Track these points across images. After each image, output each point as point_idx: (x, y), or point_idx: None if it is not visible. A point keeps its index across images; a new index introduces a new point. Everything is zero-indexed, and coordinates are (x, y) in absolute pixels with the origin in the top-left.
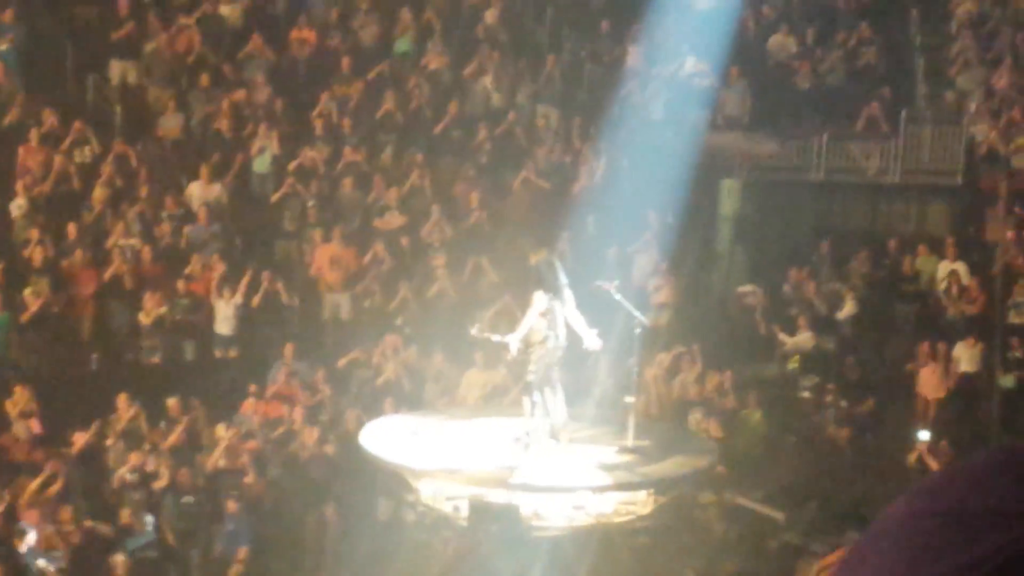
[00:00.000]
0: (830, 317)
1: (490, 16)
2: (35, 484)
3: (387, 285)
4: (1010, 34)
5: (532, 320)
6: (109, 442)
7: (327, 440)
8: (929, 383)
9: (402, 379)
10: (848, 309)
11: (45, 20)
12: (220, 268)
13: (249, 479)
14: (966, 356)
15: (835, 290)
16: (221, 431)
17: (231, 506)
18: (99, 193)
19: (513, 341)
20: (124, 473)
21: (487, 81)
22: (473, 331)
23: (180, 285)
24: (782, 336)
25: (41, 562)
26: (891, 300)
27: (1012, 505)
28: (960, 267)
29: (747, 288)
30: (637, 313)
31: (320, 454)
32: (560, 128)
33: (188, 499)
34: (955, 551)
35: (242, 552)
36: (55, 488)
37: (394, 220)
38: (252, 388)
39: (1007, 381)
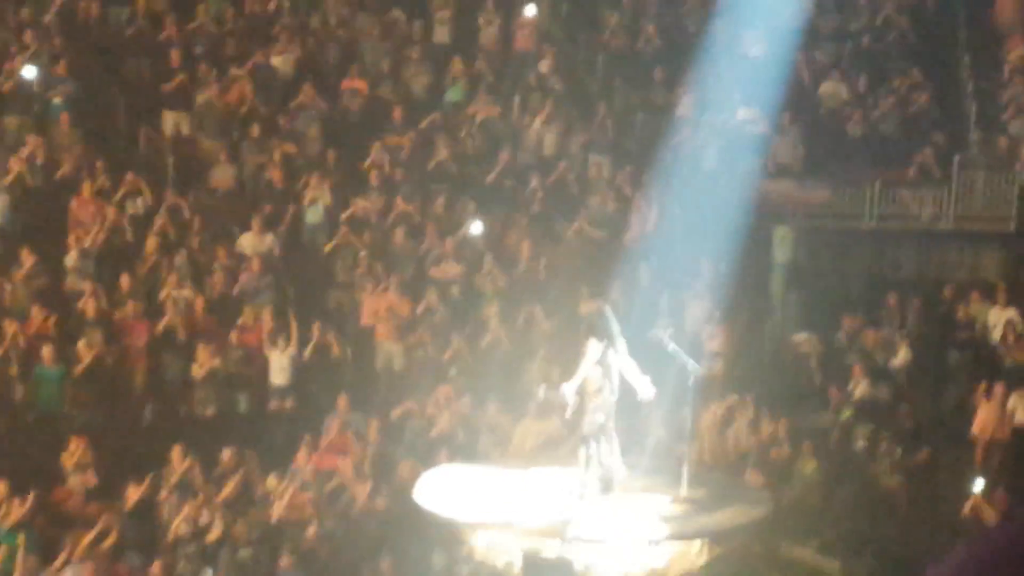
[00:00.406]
0: (884, 366)
1: (544, 65)
2: (89, 537)
3: (440, 335)
4: None
5: (586, 370)
6: (163, 495)
7: (380, 492)
8: (986, 424)
9: (456, 430)
10: (902, 357)
11: (97, 72)
12: (273, 319)
13: (310, 531)
14: (1022, 406)
15: (889, 338)
16: (273, 482)
17: (285, 560)
18: (151, 244)
19: (568, 392)
20: (178, 526)
21: (539, 129)
22: (541, 392)
23: (233, 337)
24: (836, 391)
25: None
26: (945, 348)
27: None
28: (1014, 314)
29: (802, 336)
30: (691, 362)
31: (373, 507)
32: (612, 177)
33: (245, 552)
34: None
35: None
36: (109, 541)
37: (450, 269)
38: (306, 439)
39: None
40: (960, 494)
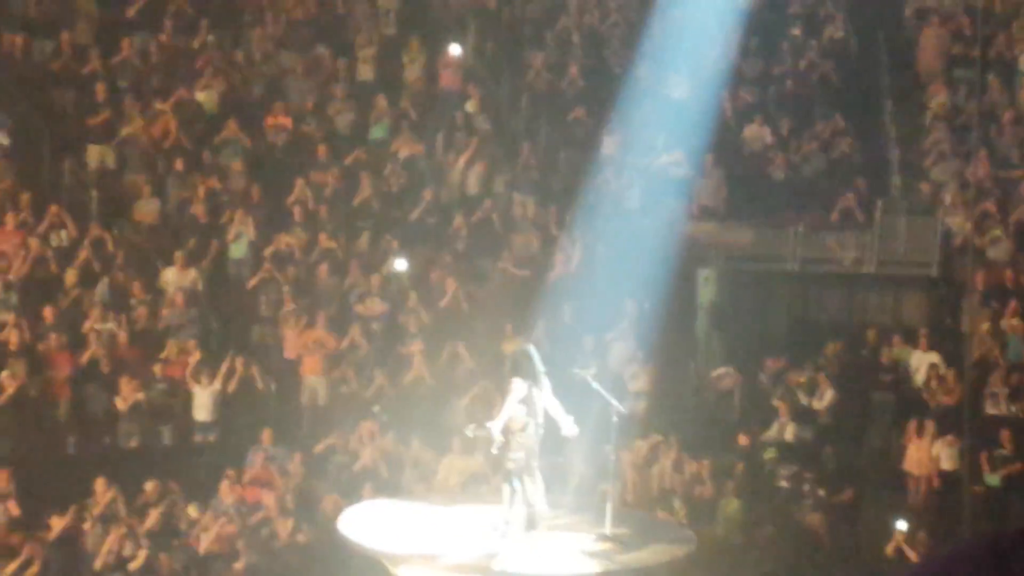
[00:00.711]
0: (808, 407)
1: (470, 105)
2: (11, 568)
3: (364, 370)
4: (984, 126)
5: (511, 408)
6: (87, 526)
7: (303, 526)
8: (918, 461)
9: (380, 465)
10: (826, 399)
11: (22, 105)
12: (196, 353)
13: (237, 565)
14: (946, 454)
15: (813, 379)
16: (196, 514)
17: None
18: (74, 276)
19: (494, 429)
20: (103, 557)
21: (463, 168)
22: (469, 432)
23: (157, 370)
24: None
25: None
26: (869, 390)
27: None
28: (936, 357)
29: (722, 370)
30: (614, 401)
31: (296, 540)
32: (536, 216)
33: None
34: None
35: None
36: (32, 572)
37: (375, 306)
38: (229, 473)
39: (993, 480)
40: (883, 535)
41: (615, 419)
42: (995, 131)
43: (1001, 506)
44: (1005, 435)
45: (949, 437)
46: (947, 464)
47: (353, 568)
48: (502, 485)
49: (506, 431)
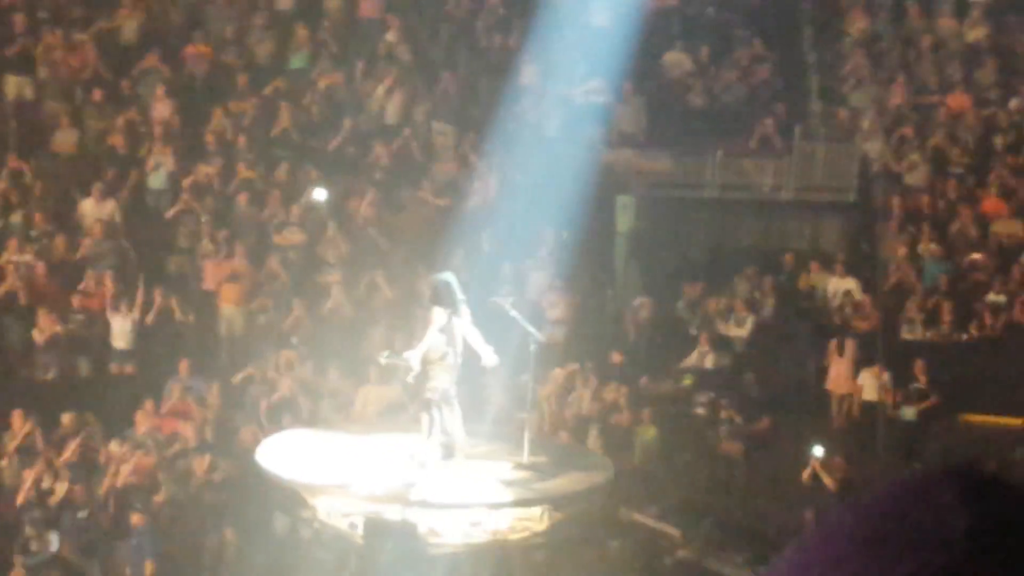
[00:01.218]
0: (724, 334)
1: (391, 35)
2: None
3: (282, 301)
4: (902, 52)
5: (431, 337)
6: (4, 462)
7: (220, 457)
8: (838, 379)
9: (297, 395)
10: (745, 326)
11: None
12: (114, 284)
13: (159, 497)
14: (868, 384)
15: (730, 306)
16: (115, 447)
17: (136, 519)
18: None
19: (413, 359)
20: (25, 492)
21: (383, 97)
22: (382, 359)
23: (75, 301)
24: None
25: None
26: (787, 316)
27: (927, 529)
28: (852, 284)
29: (640, 301)
30: (532, 329)
31: (214, 472)
32: (456, 144)
33: (83, 514)
34: None
35: (148, 566)
36: None
37: (293, 236)
38: (147, 404)
39: (909, 413)
40: (800, 462)
41: (533, 347)
42: (914, 57)
43: (915, 437)
44: (919, 366)
45: (874, 368)
46: (868, 394)
47: (272, 499)
48: (420, 414)
49: (425, 360)
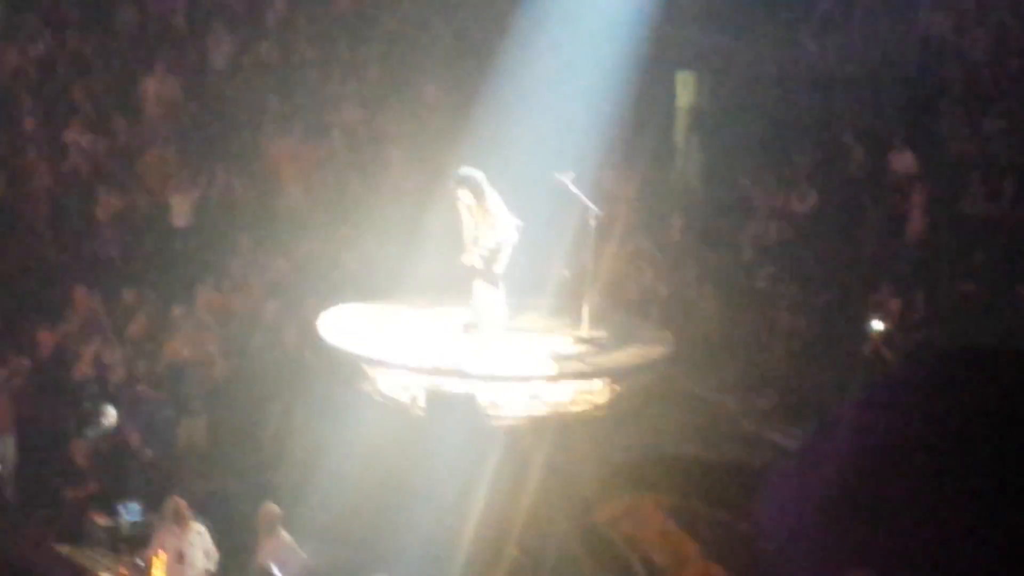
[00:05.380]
0: (786, 208)
1: None
2: None
3: (341, 176)
4: None
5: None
6: (67, 336)
7: (282, 331)
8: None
9: (357, 269)
10: (808, 201)
11: None
12: (176, 162)
13: (215, 371)
14: None
15: (792, 180)
16: (176, 322)
17: (194, 393)
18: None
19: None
20: (85, 367)
21: None
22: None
23: (136, 179)
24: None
25: None
26: (848, 191)
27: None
28: (910, 159)
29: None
30: (591, 204)
31: (277, 345)
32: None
33: (141, 388)
34: None
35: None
36: (17, 383)
37: (354, 113)
38: (208, 280)
39: (968, 286)
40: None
41: (593, 223)
42: None
43: (974, 311)
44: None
45: None
46: None
47: (333, 373)
48: (480, 288)
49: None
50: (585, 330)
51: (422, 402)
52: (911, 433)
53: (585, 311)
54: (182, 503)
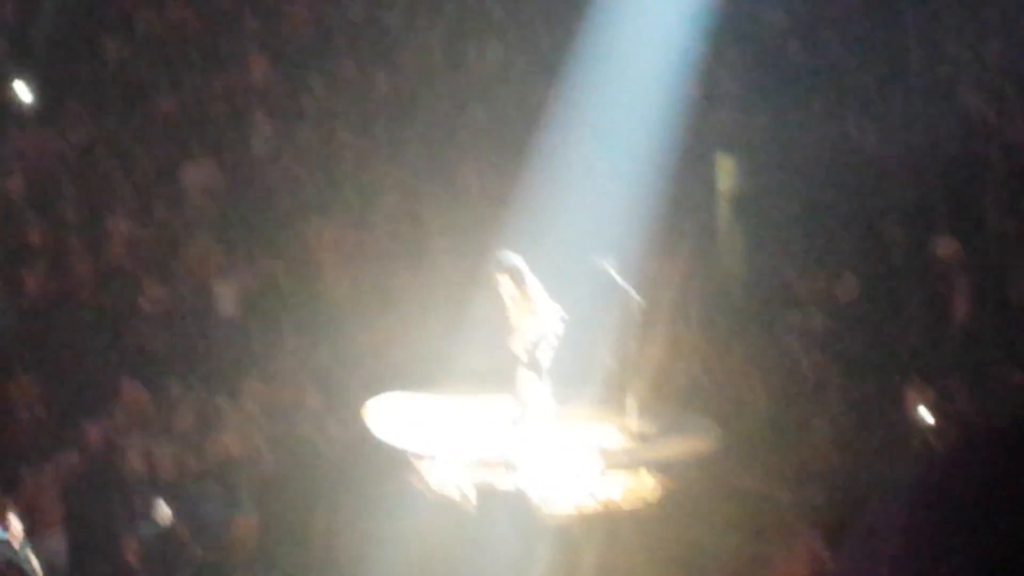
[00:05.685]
0: (831, 295)
1: None
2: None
3: (386, 265)
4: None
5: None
6: (114, 430)
7: (328, 424)
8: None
9: (403, 358)
10: (851, 288)
11: None
12: (218, 251)
13: (264, 467)
14: None
15: (837, 268)
16: (225, 412)
17: (242, 488)
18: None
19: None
20: (132, 460)
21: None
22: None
23: (179, 268)
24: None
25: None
26: (894, 278)
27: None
28: (954, 244)
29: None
30: (632, 292)
31: (324, 438)
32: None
33: (193, 483)
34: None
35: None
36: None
37: (392, 199)
38: (253, 372)
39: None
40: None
41: (635, 311)
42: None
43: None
44: None
45: None
46: None
47: (382, 464)
48: (525, 378)
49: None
50: (632, 422)
51: (473, 499)
52: (965, 520)
53: (631, 402)
54: None
